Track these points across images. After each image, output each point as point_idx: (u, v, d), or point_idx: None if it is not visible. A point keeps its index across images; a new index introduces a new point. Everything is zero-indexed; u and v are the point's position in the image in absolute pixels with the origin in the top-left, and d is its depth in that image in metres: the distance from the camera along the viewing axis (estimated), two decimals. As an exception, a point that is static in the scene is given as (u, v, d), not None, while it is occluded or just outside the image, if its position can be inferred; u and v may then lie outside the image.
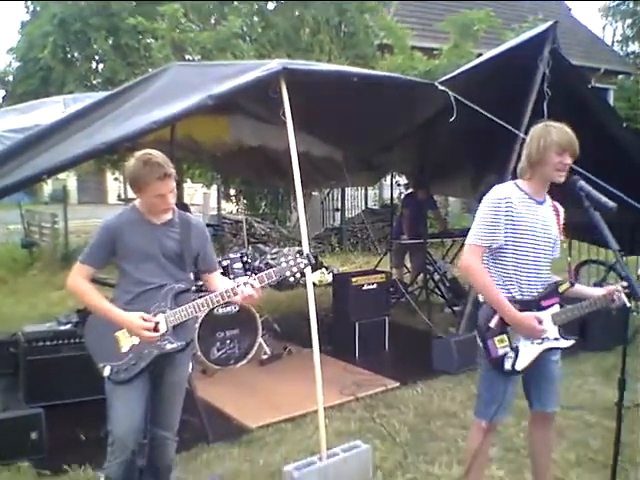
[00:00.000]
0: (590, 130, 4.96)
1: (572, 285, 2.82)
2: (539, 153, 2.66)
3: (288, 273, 2.71)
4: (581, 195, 2.63)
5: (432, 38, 13.60)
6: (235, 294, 2.65)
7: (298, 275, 2.74)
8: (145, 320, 2.60)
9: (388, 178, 9.35)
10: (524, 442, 3.86)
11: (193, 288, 2.93)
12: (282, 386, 4.84)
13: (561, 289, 2.77)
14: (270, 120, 5.66)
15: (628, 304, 2.52)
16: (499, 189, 2.75)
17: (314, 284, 7.77)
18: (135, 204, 2.75)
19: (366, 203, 14.51)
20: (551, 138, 2.64)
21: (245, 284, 2.65)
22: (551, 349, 2.78)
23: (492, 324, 2.73)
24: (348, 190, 13.56)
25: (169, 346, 2.67)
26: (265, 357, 5.47)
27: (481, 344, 2.76)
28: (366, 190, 14.36)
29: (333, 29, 11.74)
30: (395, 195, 9.82)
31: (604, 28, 30.75)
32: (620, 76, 20.96)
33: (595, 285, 2.95)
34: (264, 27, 11.57)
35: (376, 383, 4.88)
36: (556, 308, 2.76)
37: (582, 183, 2.66)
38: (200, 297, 2.72)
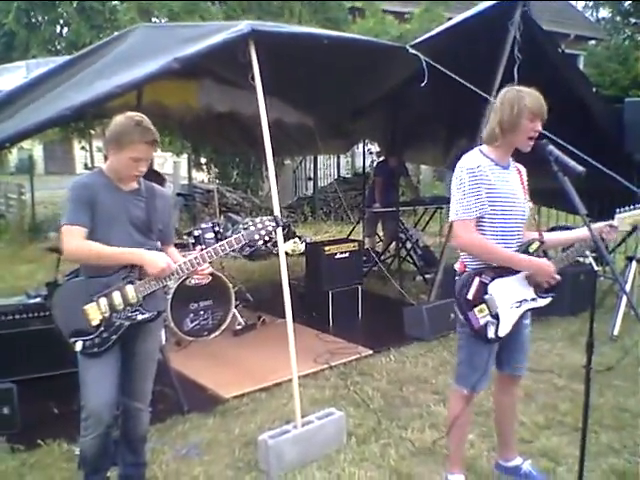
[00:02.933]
0: (560, 95, 4.98)
1: (542, 242, 2.81)
2: (512, 119, 2.64)
3: (257, 237, 2.72)
4: (550, 159, 2.61)
5: (404, 2, 13.46)
6: (199, 263, 2.67)
7: (267, 238, 2.74)
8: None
9: (360, 146, 9.31)
10: (494, 406, 3.96)
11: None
12: (256, 356, 4.86)
13: (531, 249, 2.78)
14: (240, 85, 5.54)
15: (596, 268, 2.54)
16: (469, 158, 2.72)
17: (287, 254, 7.81)
18: (102, 168, 2.69)
19: (338, 172, 14.48)
20: (524, 104, 2.61)
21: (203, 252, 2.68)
22: (524, 312, 2.82)
23: (470, 295, 2.76)
24: (320, 158, 13.50)
25: (140, 316, 2.64)
26: (239, 327, 5.48)
27: (462, 316, 2.77)
28: (338, 158, 14.31)
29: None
30: (367, 163, 9.80)
31: (576, -7, 30.73)
32: (590, 42, 21.05)
33: (563, 250, 2.97)
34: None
35: (349, 351, 4.93)
36: None
37: (551, 147, 2.63)
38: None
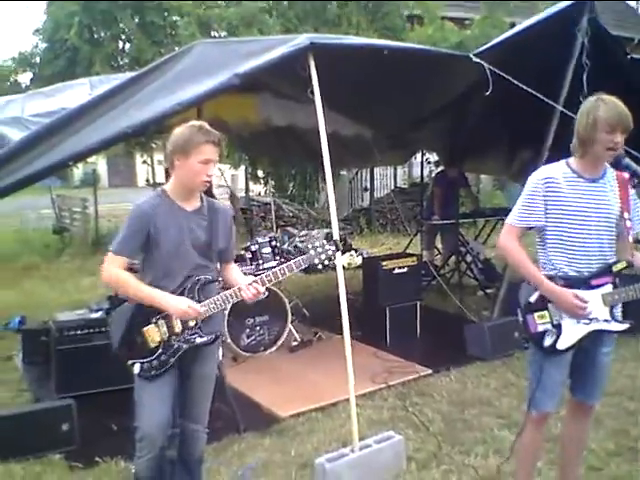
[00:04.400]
0: (632, 102, 4.78)
1: (630, 265, 2.66)
2: (587, 131, 2.55)
3: (316, 261, 2.70)
4: (627, 172, 2.53)
5: (463, 8, 13.27)
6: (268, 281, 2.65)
7: (327, 262, 2.71)
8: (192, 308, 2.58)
9: (418, 156, 9.19)
10: (560, 431, 3.78)
11: (220, 278, 2.89)
12: (312, 373, 4.82)
13: (615, 268, 2.64)
14: (298, 99, 5.56)
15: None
16: (544, 169, 2.70)
17: (343, 267, 7.70)
18: (164, 189, 2.68)
19: (395, 182, 14.36)
20: (599, 115, 2.51)
21: (251, 283, 2.64)
22: (603, 338, 2.68)
23: (532, 299, 2.68)
24: (377, 169, 13.42)
25: (199, 340, 2.64)
26: (295, 344, 5.45)
27: (521, 319, 2.72)
28: (395, 169, 14.19)
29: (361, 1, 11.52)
30: (425, 173, 9.66)
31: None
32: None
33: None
34: (290, 1, 11.41)
35: (408, 370, 4.82)
36: (608, 288, 2.64)
37: (627, 160, 2.57)
38: (225, 288, 2.69)
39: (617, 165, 2.55)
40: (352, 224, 12.43)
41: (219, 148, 2.61)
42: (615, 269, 2.64)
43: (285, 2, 11.55)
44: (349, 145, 7.43)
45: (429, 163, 11.53)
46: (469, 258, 7.55)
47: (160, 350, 2.60)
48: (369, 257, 6.96)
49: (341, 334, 3.45)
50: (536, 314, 2.66)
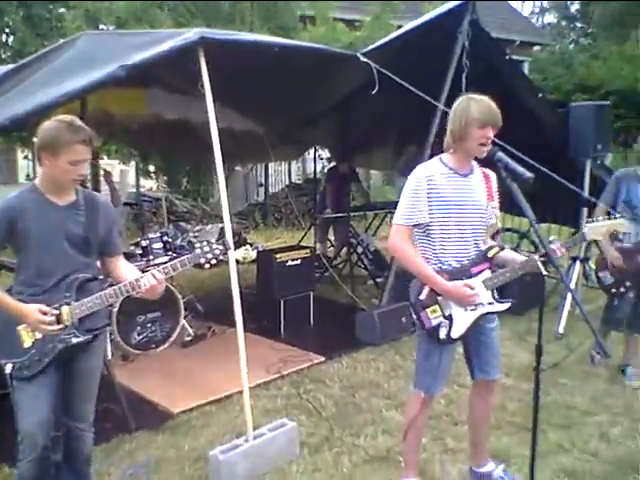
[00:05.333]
0: (507, 102, 5.08)
1: (502, 248, 2.86)
2: (461, 128, 2.68)
3: (203, 260, 2.60)
4: (499, 166, 2.67)
5: (355, 10, 13.53)
6: (139, 286, 2.51)
7: (214, 262, 2.66)
8: (44, 313, 2.41)
9: (311, 152, 9.31)
10: (445, 409, 4.00)
11: (101, 276, 2.77)
12: (206, 368, 4.76)
13: (490, 254, 2.82)
14: (190, 93, 5.45)
15: (544, 272, 2.59)
16: (422, 167, 2.79)
17: (238, 262, 7.68)
18: (35, 183, 2.53)
19: (290, 177, 14.44)
20: (472, 112, 2.65)
21: (147, 275, 2.52)
22: (487, 315, 2.85)
23: (422, 296, 2.78)
24: (271, 164, 13.43)
25: (74, 340, 2.50)
26: (188, 339, 5.36)
27: (415, 317, 2.82)
28: (289, 164, 14.27)
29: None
30: (318, 169, 9.80)
31: (523, 0, 31.64)
32: (535, 47, 21.63)
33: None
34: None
35: (302, 359, 4.88)
36: (487, 273, 2.81)
37: (500, 154, 2.69)
38: (108, 285, 2.59)
39: (491, 159, 2.69)
40: (248, 219, 12.38)
41: (91, 147, 2.46)
42: (490, 254, 2.81)
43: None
44: (243, 141, 7.40)
45: (322, 159, 11.69)
46: (360, 249, 7.78)
47: (34, 350, 2.46)
48: (263, 250, 6.97)
49: (235, 328, 3.44)
50: (428, 310, 2.77)
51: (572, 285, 5.58)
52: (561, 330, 5.32)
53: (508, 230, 7.21)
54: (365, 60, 4.58)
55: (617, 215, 2.88)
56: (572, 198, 5.39)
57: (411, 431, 2.96)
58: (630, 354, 4.52)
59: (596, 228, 2.86)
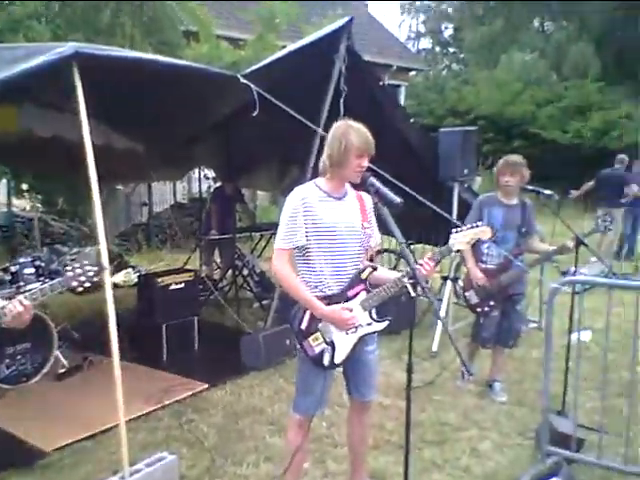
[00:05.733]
0: (382, 126, 5.29)
1: (374, 269, 2.95)
2: (340, 155, 2.76)
3: (75, 283, 2.51)
4: (371, 190, 2.79)
5: (239, 28, 13.58)
6: (4, 314, 2.38)
7: (88, 284, 2.56)
8: None
9: (197, 171, 9.19)
10: (327, 431, 4.07)
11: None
12: (82, 401, 4.54)
13: (363, 275, 2.90)
14: (65, 109, 5.24)
15: (413, 294, 2.71)
16: (297, 191, 2.85)
17: (118, 286, 7.40)
18: None
19: (175, 197, 14.13)
20: (351, 141, 2.74)
21: (13, 302, 2.38)
22: (366, 337, 2.92)
23: (304, 325, 2.82)
24: (156, 184, 13.09)
25: None
26: (62, 371, 5.09)
27: (298, 346, 2.85)
28: (174, 184, 13.97)
29: (136, 12, 11.16)
30: (204, 189, 9.68)
31: (400, 25, 33.14)
32: (412, 72, 22.70)
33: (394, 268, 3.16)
34: (61, 6, 10.62)
35: (184, 387, 4.78)
36: (363, 295, 2.89)
37: (372, 179, 2.80)
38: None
39: (364, 184, 2.81)
40: (130, 240, 11.95)
41: None
42: (363, 276, 2.91)
43: (56, 5, 10.71)
44: (122, 159, 7.16)
45: (207, 179, 11.56)
46: (246, 271, 7.76)
47: None
48: (145, 274, 6.77)
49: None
50: (310, 338, 2.82)
51: (444, 304, 5.91)
52: (435, 348, 5.60)
53: (386, 251, 7.49)
54: (245, 82, 4.60)
55: (479, 223, 3.05)
56: (444, 219, 5.71)
57: (293, 456, 2.99)
58: (497, 370, 4.84)
59: (460, 237, 2.96)
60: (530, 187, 4.61)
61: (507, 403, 4.60)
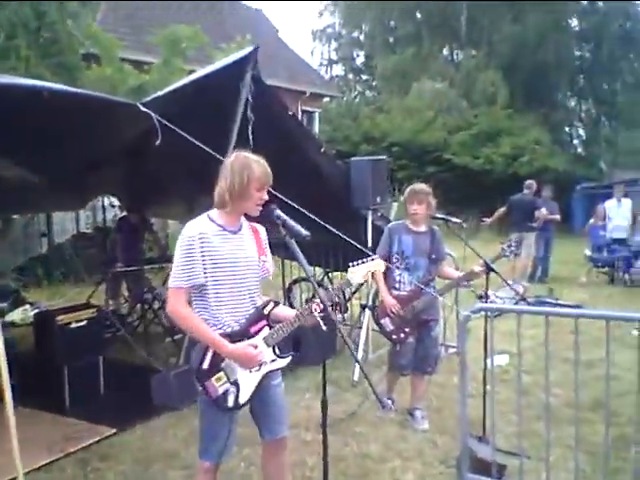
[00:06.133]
0: (293, 155, 5.36)
1: (277, 303, 2.96)
2: (241, 188, 2.75)
3: None
4: (278, 223, 2.81)
5: (144, 51, 13.44)
6: None
7: None
8: None
9: (101, 199, 8.95)
10: (245, 471, 3.99)
11: None
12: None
13: (266, 310, 2.90)
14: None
15: (324, 327, 2.74)
16: (192, 225, 2.79)
17: (15, 324, 7.03)
18: None
19: (77, 226, 13.63)
20: (253, 173, 2.75)
21: None
22: (270, 373, 2.90)
23: (206, 365, 2.75)
24: (56, 213, 12.60)
25: None
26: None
27: (200, 387, 2.77)
28: (77, 212, 13.49)
29: (32, 34, 10.82)
30: (110, 217, 9.42)
31: (312, 52, 33.84)
32: (325, 99, 23.23)
33: (307, 301, 3.15)
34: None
35: (90, 433, 4.56)
36: (266, 330, 2.88)
37: (278, 212, 2.83)
38: None
39: (270, 215, 2.82)
40: (28, 274, 11.36)
41: None
42: (266, 311, 2.90)
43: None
44: (14, 189, 6.86)
45: (113, 207, 11.27)
46: (157, 305, 7.55)
47: None
48: (42, 312, 6.46)
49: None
50: (213, 378, 2.76)
51: (363, 332, 5.99)
52: (356, 377, 5.64)
53: (303, 280, 7.53)
54: (145, 110, 4.51)
55: (373, 257, 3.13)
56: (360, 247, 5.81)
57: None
58: (417, 397, 4.94)
59: (357, 271, 3.01)
60: (439, 215, 4.80)
61: (429, 431, 4.68)
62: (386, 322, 4.72)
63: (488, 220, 11.90)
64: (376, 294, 6.00)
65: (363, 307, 6.18)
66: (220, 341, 2.73)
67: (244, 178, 2.75)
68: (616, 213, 11.94)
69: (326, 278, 7.95)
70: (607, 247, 11.66)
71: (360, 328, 6.25)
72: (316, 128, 21.32)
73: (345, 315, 7.79)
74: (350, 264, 3.05)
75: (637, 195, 14.48)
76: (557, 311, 5.02)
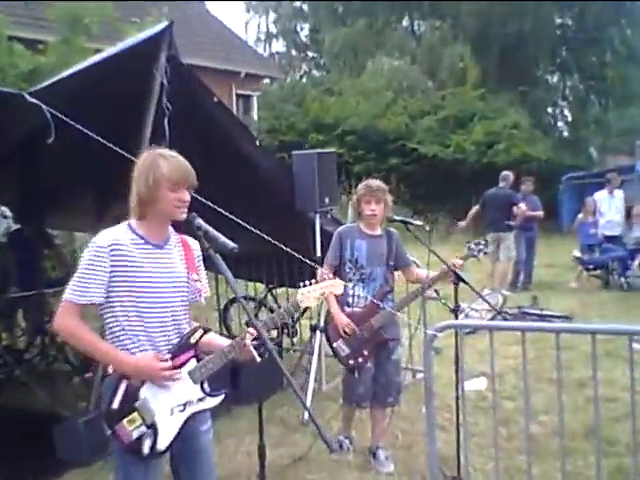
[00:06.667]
0: (220, 150, 5.32)
1: (206, 331, 2.95)
2: (149, 191, 2.74)
3: None
4: (199, 234, 2.80)
5: (38, 27, 13.19)
6: None
7: None
8: None
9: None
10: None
11: None
12: None
13: (193, 339, 2.88)
14: None
15: (258, 359, 2.73)
16: (105, 234, 2.78)
17: None
18: None
19: (-39, 244, 13.26)
20: (161, 172, 2.74)
21: None
22: (197, 416, 2.88)
23: (116, 404, 2.71)
24: None
25: None
26: None
27: (109, 432, 2.73)
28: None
29: None
30: (1, 231, 9.18)
31: (247, 25, 33.57)
32: (265, 80, 23.21)
33: (247, 324, 3.09)
34: None
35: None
36: (193, 363, 2.86)
37: (199, 221, 2.82)
38: None
39: (189, 226, 2.81)
40: None
41: None
42: (193, 340, 2.88)
43: None
44: None
45: (6, 217, 10.98)
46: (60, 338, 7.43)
47: None
48: None
49: None
50: (125, 421, 2.71)
51: (314, 358, 5.99)
52: (307, 415, 5.62)
53: (244, 298, 7.48)
54: (33, 101, 4.40)
55: (330, 275, 3.14)
56: (308, 258, 5.81)
57: None
58: (379, 434, 4.95)
59: (309, 293, 3.01)
60: (397, 218, 4.85)
61: (395, 474, 4.72)
62: (340, 345, 4.73)
63: (463, 223, 12.06)
64: (328, 312, 6.03)
65: (313, 328, 6.19)
66: (117, 354, 2.72)
67: (149, 178, 2.74)
68: (608, 207, 12.19)
69: (270, 296, 7.95)
70: (599, 246, 11.91)
71: (311, 353, 6.25)
72: (254, 115, 21.32)
73: (294, 339, 7.80)
74: (301, 284, 3.05)
75: (632, 185, 14.88)
76: (534, 326, 5.13)
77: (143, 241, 2.80)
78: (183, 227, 2.93)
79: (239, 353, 2.86)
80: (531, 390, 5.15)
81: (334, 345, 4.76)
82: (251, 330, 2.81)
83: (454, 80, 23.64)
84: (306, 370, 6.19)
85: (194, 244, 2.99)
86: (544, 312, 9.31)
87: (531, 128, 22.13)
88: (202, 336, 2.91)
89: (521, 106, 23.15)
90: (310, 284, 3.04)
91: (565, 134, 28.40)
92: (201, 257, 3.00)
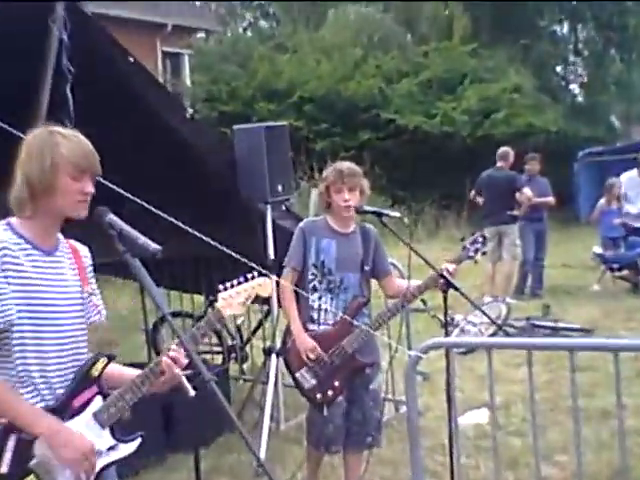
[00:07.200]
0: (137, 126, 5.22)
1: (110, 359, 2.86)
2: (44, 177, 2.64)
3: None
4: (112, 234, 2.70)
5: None
6: None
7: None
8: None
9: None
10: None
11: None
12: None
13: (95, 371, 2.79)
14: None
15: (192, 393, 2.70)
16: None
17: None
18: None
19: None
20: (60, 154, 2.66)
21: None
22: (109, 469, 2.83)
23: (4, 466, 2.62)
24: None
25: None
26: None
27: None
28: None
29: None
30: None
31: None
32: (199, 34, 22.96)
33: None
34: None
35: None
36: (98, 402, 2.80)
37: (112, 217, 2.73)
38: None
39: (99, 222, 2.73)
40: None
41: None
42: (96, 372, 2.78)
43: None
44: None
45: None
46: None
47: None
48: None
49: None
50: None
51: (269, 389, 5.95)
52: (263, 456, 5.58)
53: (178, 314, 7.40)
54: None
55: (255, 273, 3.08)
56: (258, 261, 5.78)
57: None
58: (352, 483, 4.93)
59: (231, 299, 2.95)
60: (369, 208, 4.81)
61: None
62: (303, 375, 4.68)
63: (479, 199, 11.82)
64: (287, 330, 6.00)
65: (268, 352, 6.14)
66: (36, 413, 2.62)
67: (45, 162, 2.63)
68: (638, 192, 12.12)
69: (211, 310, 7.86)
70: (625, 240, 11.98)
71: (266, 383, 6.20)
72: (187, 79, 21.17)
73: (244, 365, 7.74)
74: (220, 287, 2.96)
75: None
76: (542, 342, 5.12)
77: (30, 246, 2.69)
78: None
79: (157, 384, 2.80)
80: (544, 423, 5.19)
81: (296, 375, 4.71)
82: (174, 348, 2.74)
83: (438, 32, 23.59)
84: (260, 405, 6.13)
85: (83, 250, 2.94)
86: (558, 324, 9.32)
87: (536, 92, 22.13)
88: (105, 366, 2.82)
89: (523, 64, 23.08)
90: (232, 286, 2.96)
91: (579, 99, 28.40)
92: (92, 267, 2.95)
